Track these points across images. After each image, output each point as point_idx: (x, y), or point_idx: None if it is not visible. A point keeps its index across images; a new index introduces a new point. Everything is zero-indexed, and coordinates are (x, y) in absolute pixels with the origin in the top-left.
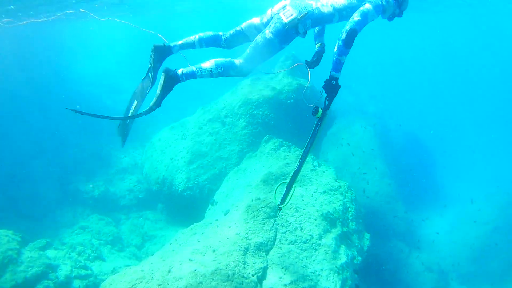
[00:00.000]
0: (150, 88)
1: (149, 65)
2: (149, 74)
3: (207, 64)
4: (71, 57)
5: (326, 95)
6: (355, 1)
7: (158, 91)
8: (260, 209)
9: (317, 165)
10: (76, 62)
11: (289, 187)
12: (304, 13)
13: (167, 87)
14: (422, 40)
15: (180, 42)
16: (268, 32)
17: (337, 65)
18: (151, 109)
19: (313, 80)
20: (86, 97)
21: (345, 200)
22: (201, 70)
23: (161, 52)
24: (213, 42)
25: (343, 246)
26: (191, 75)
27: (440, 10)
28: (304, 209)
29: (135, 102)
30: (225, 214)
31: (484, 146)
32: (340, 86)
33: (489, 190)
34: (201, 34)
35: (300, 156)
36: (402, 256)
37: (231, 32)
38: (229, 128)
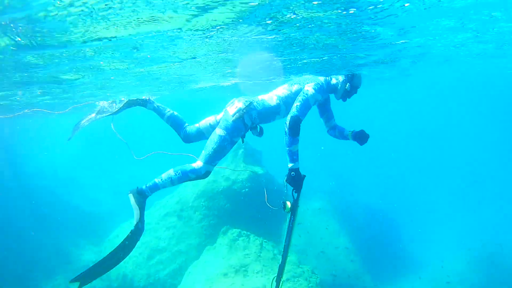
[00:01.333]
0: (112, 114)
1: (123, 102)
2: (118, 105)
3: (167, 173)
4: (27, 150)
5: (291, 187)
6: (298, 85)
7: (134, 212)
8: None
9: (277, 253)
10: (32, 156)
11: (278, 281)
12: (247, 103)
13: (140, 204)
14: (375, 111)
15: (157, 104)
16: (218, 129)
17: (291, 156)
18: (137, 227)
19: (267, 164)
20: (42, 191)
21: (310, 285)
22: (161, 180)
23: (141, 99)
24: (177, 127)
25: None
26: (154, 187)
27: (393, 80)
28: None
29: (93, 115)
30: None
31: (446, 209)
32: (304, 176)
33: (457, 250)
34: (175, 113)
35: (282, 252)
36: None
37: (193, 129)
38: (186, 222)
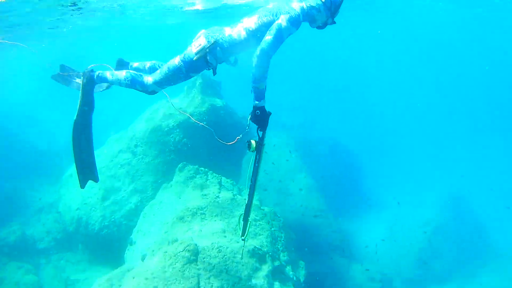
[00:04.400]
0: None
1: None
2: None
3: (120, 73)
4: None
5: (256, 126)
6: (270, 16)
7: (80, 93)
8: (178, 253)
9: (237, 193)
10: None
11: (245, 220)
12: (211, 42)
13: (86, 87)
14: (343, 46)
15: (135, 65)
16: (178, 59)
17: (257, 94)
18: (82, 109)
19: (226, 97)
20: None
21: (272, 229)
22: (112, 76)
23: (121, 66)
24: None
25: (277, 283)
26: (103, 79)
27: (366, 12)
28: (227, 248)
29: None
30: (142, 259)
31: (413, 149)
32: (269, 114)
33: (423, 192)
34: (153, 63)
35: (247, 190)
36: (342, 270)
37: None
38: (141, 158)
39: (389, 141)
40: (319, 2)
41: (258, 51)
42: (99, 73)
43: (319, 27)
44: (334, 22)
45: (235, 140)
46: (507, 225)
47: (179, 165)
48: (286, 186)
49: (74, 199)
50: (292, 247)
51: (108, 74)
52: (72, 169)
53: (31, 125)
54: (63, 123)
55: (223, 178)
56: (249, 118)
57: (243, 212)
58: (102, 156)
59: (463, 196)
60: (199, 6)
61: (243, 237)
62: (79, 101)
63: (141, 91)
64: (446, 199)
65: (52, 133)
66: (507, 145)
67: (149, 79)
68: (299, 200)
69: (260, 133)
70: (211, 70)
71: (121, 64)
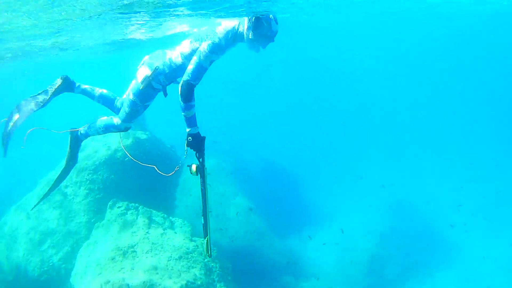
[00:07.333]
0: (40, 108)
1: (49, 88)
2: (43, 95)
3: (95, 125)
4: None
5: (194, 152)
6: (198, 42)
7: (68, 151)
8: None
9: (168, 226)
10: None
11: (205, 237)
12: (153, 70)
13: (75, 145)
14: (267, 63)
15: (84, 86)
16: (130, 93)
17: (187, 122)
18: (69, 166)
19: (152, 128)
20: None
21: (205, 260)
22: (91, 131)
23: (66, 85)
24: (109, 105)
25: None
26: (86, 135)
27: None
28: (160, 285)
29: (17, 115)
30: None
31: (349, 159)
32: (204, 138)
33: (364, 202)
34: (105, 91)
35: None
36: None
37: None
38: (72, 199)
39: (325, 152)
40: (246, 26)
41: (181, 82)
42: (80, 130)
43: (254, 49)
44: (273, 40)
45: (174, 171)
46: (453, 222)
47: (109, 203)
48: (223, 211)
49: (11, 247)
50: (228, 276)
51: (88, 131)
52: (6, 217)
53: None
54: None
55: (154, 212)
56: (185, 145)
57: (203, 232)
58: (34, 199)
59: (406, 200)
60: (142, 36)
61: (208, 254)
62: (66, 158)
63: (116, 132)
64: (388, 205)
65: None
66: (449, 146)
67: (117, 120)
68: (237, 225)
69: (199, 157)
70: (165, 90)
71: (67, 83)
